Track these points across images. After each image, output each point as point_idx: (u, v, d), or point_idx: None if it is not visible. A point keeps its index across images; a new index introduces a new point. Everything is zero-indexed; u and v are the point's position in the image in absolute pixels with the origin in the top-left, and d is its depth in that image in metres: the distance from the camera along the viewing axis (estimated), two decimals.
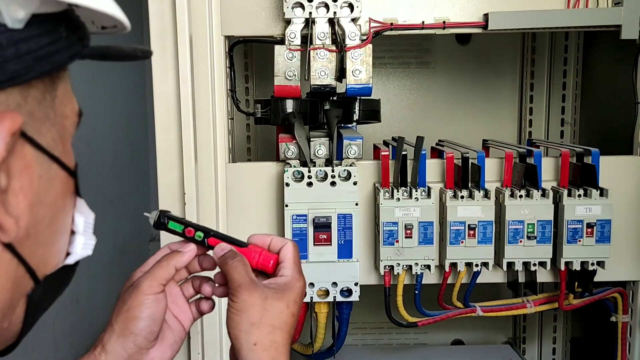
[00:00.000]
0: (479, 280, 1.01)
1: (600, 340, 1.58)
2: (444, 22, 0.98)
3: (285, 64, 0.96)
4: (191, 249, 0.64)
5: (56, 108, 0.39)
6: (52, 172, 0.39)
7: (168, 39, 0.88)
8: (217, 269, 0.64)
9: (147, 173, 3.83)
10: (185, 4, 0.86)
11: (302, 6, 0.93)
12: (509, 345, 1.53)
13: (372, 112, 1.09)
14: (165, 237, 0.69)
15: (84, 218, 0.44)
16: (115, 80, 3.51)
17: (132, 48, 0.44)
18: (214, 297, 0.67)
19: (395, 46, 1.55)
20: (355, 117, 1.06)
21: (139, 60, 0.44)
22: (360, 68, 0.96)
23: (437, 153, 1.09)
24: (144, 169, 3.99)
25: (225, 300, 0.62)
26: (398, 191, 0.95)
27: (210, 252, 0.65)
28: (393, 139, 1.11)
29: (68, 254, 0.44)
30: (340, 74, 0.98)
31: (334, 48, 0.96)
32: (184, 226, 0.65)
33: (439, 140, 1.20)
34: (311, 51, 0.95)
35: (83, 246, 0.44)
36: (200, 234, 0.65)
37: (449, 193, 0.97)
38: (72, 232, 0.44)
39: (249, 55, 1.50)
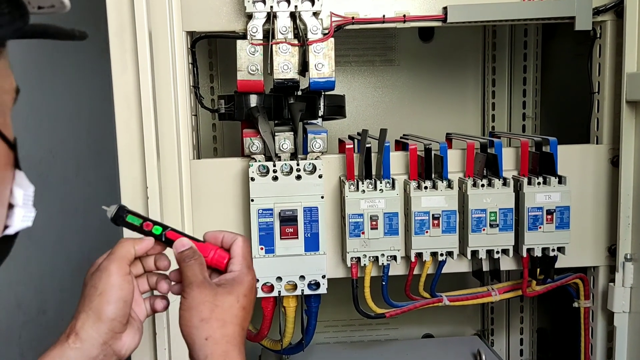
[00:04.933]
0: (445, 270, 1.03)
1: (566, 328, 1.62)
2: (404, 15, 0.99)
3: (247, 59, 0.96)
4: (150, 238, 0.64)
5: None
6: None
7: (127, 33, 0.87)
8: (171, 268, 0.65)
9: (115, 181, 3.79)
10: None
11: (263, 1, 0.94)
12: (478, 337, 1.55)
13: (337, 108, 1.10)
14: (129, 235, 0.68)
15: (23, 191, 0.44)
16: (78, 86, 3.45)
17: (71, 28, 0.43)
18: (170, 295, 0.67)
19: (360, 44, 1.57)
20: (320, 112, 1.07)
21: (77, 40, 0.44)
22: (323, 62, 0.97)
23: (401, 146, 1.10)
24: (111, 177, 3.92)
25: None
26: (363, 183, 0.96)
27: (168, 250, 0.66)
28: (358, 133, 1.12)
29: (6, 227, 0.43)
30: (303, 68, 0.98)
31: (296, 42, 0.96)
32: (143, 220, 0.65)
33: (403, 135, 1.21)
34: (273, 45, 0.95)
35: (22, 218, 0.44)
36: (159, 227, 0.65)
37: (413, 184, 0.98)
38: (11, 206, 0.43)
39: (213, 55, 1.50)
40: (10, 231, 0.43)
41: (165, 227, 0.66)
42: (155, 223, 0.66)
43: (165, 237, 0.65)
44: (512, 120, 1.56)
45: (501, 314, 1.62)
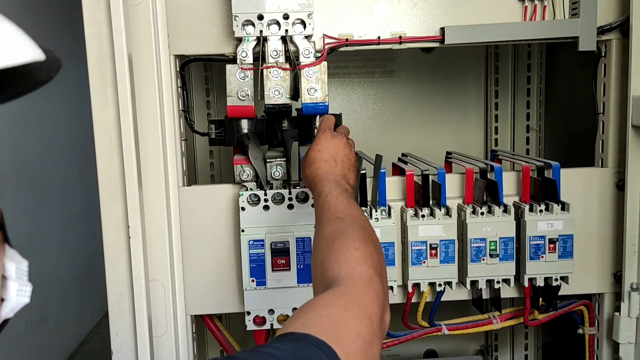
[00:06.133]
0: (444, 298, 0.99)
1: (571, 343, 1.58)
2: (400, 37, 0.95)
3: (237, 84, 0.93)
4: None
5: None
6: None
7: (106, 61, 0.84)
8: None
9: None
10: (122, 24, 0.82)
11: (252, 24, 0.90)
12: (481, 354, 1.52)
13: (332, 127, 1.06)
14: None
15: (15, 264, 0.42)
16: (78, 93, 3.43)
17: (46, 71, 0.41)
18: None
19: (359, 55, 1.53)
20: (315, 133, 1.03)
21: (53, 77, 0.41)
22: (316, 86, 0.93)
23: (398, 170, 1.07)
24: None
25: None
26: None
27: None
28: (356, 153, 1.09)
29: (2, 300, 0.42)
30: (295, 92, 0.95)
31: (287, 66, 0.92)
32: None
33: (402, 154, 1.18)
34: (264, 70, 0.92)
35: (18, 292, 0.42)
36: None
37: (410, 212, 0.94)
38: (4, 277, 0.42)
39: (209, 68, 1.47)
40: (7, 308, 0.42)
41: None
42: None
43: None
44: (515, 132, 1.52)
45: (505, 330, 1.58)
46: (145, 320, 0.84)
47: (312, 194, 0.79)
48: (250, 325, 0.93)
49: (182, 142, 1.00)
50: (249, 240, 0.91)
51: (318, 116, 1.03)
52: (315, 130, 1.03)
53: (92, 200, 3.83)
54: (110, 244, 0.85)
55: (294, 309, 0.93)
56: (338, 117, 1.07)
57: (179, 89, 0.98)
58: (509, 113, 1.51)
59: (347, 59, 1.52)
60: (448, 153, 1.16)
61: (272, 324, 0.94)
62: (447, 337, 1.59)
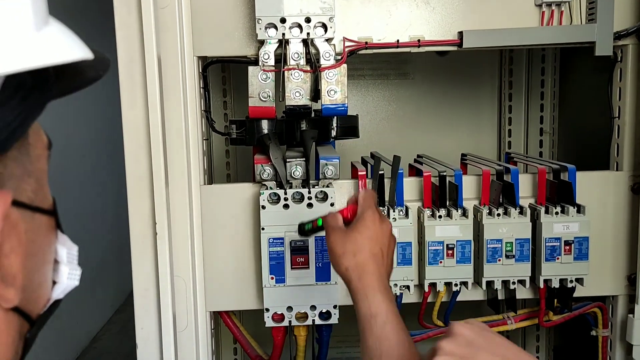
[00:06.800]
0: (459, 298, 1.01)
1: (583, 347, 1.59)
2: (418, 40, 0.97)
3: (259, 85, 0.95)
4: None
5: (31, 155, 0.39)
6: (36, 222, 0.40)
7: (136, 63, 0.86)
8: None
9: None
10: (152, 27, 0.84)
11: (275, 27, 0.92)
12: None
13: (349, 129, 1.08)
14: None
15: (66, 249, 0.44)
16: (94, 89, 3.47)
17: (96, 69, 0.43)
18: None
19: (374, 57, 1.53)
20: (333, 133, 1.05)
21: (102, 75, 0.44)
22: (336, 88, 0.95)
23: (414, 171, 1.08)
24: (125, 180, 3.94)
25: None
26: None
27: None
28: (372, 155, 1.10)
29: (54, 282, 0.44)
30: (315, 94, 0.97)
31: (308, 68, 0.94)
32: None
33: (418, 156, 1.19)
34: (285, 72, 0.94)
35: (69, 275, 0.44)
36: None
37: (427, 212, 0.96)
38: (56, 262, 0.44)
39: (226, 82, 1.49)
40: (58, 291, 0.43)
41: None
42: None
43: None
44: (529, 135, 1.53)
45: (517, 331, 1.59)
46: (170, 315, 0.86)
47: (349, 287, 0.70)
48: (269, 322, 0.95)
49: (204, 141, 1.02)
50: (269, 238, 0.93)
51: (335, 118, 1.05)
52: (333, 131, 1.05)
53: (105, 200, 3.89)
54: (137, 240, 0.87)
55: (312, 306, 0.95)
56: (354, 119, 1.09)
57: (202, 89, 1.01)
58: (523, 116, 1.53)
59: (362, 61, 1.53)
60: (463, 155, 1.17)
61: (290, 321, 0.95)
62: None
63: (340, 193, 1.00)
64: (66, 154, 3.05)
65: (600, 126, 1.09)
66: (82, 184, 3.26)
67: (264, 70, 0.94)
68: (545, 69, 1.51)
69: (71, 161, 3.15)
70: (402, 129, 1.56)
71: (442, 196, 0.97)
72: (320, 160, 0.96)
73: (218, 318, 1.10)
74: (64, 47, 0.37)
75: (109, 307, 3.67)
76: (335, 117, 1.04)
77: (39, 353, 2.64)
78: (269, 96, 0.95)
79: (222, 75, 1.50)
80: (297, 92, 0.94)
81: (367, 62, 1.54)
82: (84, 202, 3.29)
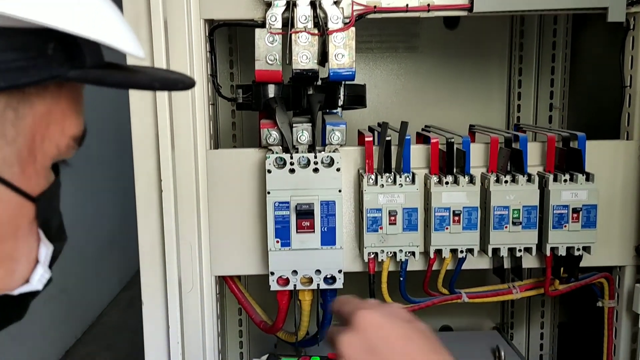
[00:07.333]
0: (465, 266, 1.00)
1: (588, 324, 1.58)
2: (428, 4, 0.96)
3: (266, 48, 0.94)
4: None
5: (20, 126, 0.36)
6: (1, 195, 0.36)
7: (142, 23, 0.86)
8: None
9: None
10: None
11: None
12: (497, 331, 1.53)
13: (357, 98, 1.07)
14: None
15: (45, 249, 0.42)
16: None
17: (175, 78, 0.41)
18: None
19: (383, 30, 1.53)
20: (340, 102, 1.04)
21: (180, 90, 0.42)
22: (343, 52, 0.94)
23: (422, 139, 1.08)
24: (131, 158, 3.96)
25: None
26: (382, 177, 0.94)
27: None
28: (378, 124, 1.09)
29: (27, 281, 0.42)
30: (323, 57, 0.96)
31: (316, 32, 0.93)
32: (297, 359, 0.63)
33: (425, 126, 1.18)
34: (292, 35, 0.93)
35: (40, 278, 0.42)
36: (317, 358, 0.62)
37: (434, 179, 0.95)
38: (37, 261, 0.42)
39: (233, 40, 1.48)
40: (23, 289, 0.41)
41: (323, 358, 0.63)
42: (311, 357, 0.62)
43: None
44: (538, 111, 1.52)
45: (522, 308, 1.59)
46: (175, 274, 0.86)
47: None
48: (274, 286, 0.95)
49: (210, 106, 1.01)
50: (275, 202, 0.93)
51: (343, 86, 1.04)
52: (339, 100, 1.04)
53: (113, 177, 3.92)
54: (143, 197, 0.87)
55: (317, 270, 0.95)
56: (362, 88, 1.08)
57: (208, 53, 1.00)
58: (532, 91, 1.51)
59: (370, 34, 1.52)
60: (471, 125, 1.16)
61: (295, 285, 0.95)
62: (463, 314, 1.61)
63: (347, 160, 0.99)
64: None
65: (611, 102, 1.07)
66: (87, 161, 3.27)
67: (271, 33, 0.93)
68: (556, 43, 1.49)
69: None
70: (410, 103, 1.55)
71: (449, 163, 0.96)
72: (327, 126, 0.95)
73: (223, 285, 1.10)
74: (104, 25, 0.35)
75: (116, 283, 3.70)
76: (342, 85, 1.04)
77: (46, 327, 2.67)
78: (276, 59, 0.94)
79: (229, 47, 1.49)
80: (304, 55, 0.93)
81: (375, 34, 1.53)
82: (90, 179, 3.31)
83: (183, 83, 0.42)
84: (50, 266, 0.43)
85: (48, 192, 0.40)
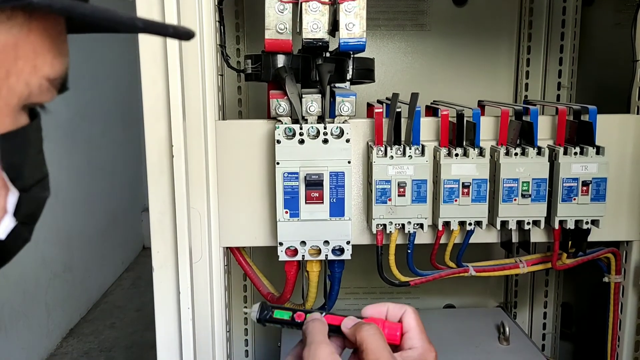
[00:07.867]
0: (472, 240, 1.00)
1: (591, 304, 1.59)
2: None
3: (276, 17, 0.93)
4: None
5: None
6: None
7: None
8: None
9: (140, 142, 3.81)
10: None
11: None
12: (500, 309, 1.53)
13: (366, 71, 1.06)
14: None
15: (14, 199, 0.38)
16: (105, 48, 3.46)
17: (171, 25, 0.38)
18: None
19: (390, 8, 1.52)
20: (349, 75, 1.04)
21: (178, 39, 0.39)
22: (354, 21, 0.93)
23: (431, 112, 1.07)
24: (137, 138, 3.96)
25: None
26: (392, 149, 0.94)
27: None
28: (387, 98, 1.09)
29: None
30: (333, 27, 0.95)
31: (326, 0, 0.93)
32: (292, 312, 0.61)
33: (434, 101, 1.18)
34: (303, 3, 0.92)
35: (5, 229, 0.38)
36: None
37: (443, 151, 0.95)
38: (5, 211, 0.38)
39: (239, 16, 1.47)
40: None
41: (322, 310, 0.61)
42: (307, 312, 0.60)
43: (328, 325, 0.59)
44: (546, 90, 1.51)
45: (525, 287, 1.59)
46: (187, 242, 0.86)
47: None
48: (283, 256, 0.95)
49: (219, 77, 1.01)
50: (284, 173, 0.93)
51: (352, 59, 1.03)
52: (348, 73, 1.03)
53: (117, 153, 3.92)
54: (154, 163, 0.87)
55: (326, 241, 0.95)
56: (371, 61, 1.07)
57: (217, 23, 0.99)
58: (541, 69, 1.50)
59: (378, 11, 1.51)
60: (480, 101, 1.16)
61: (303, 256, 0.96)
62: (467, 292, 1.61)
63: (356, 132, 0.99)
64: (77, 110, 3.04)
65: (620, 82, 1.07)
66: (91, 139, 3.27)
67: (281, 1, 0.92)
68: (565, 22, 1.48)
69: (80, 117, 3.15)
70: (416, 81, 1.54)
71: (459, 135, 0.96)
72: (337, 97, 0.95)
73: (229, 256, 1.10)
74: None
75: (120, 264, 3.72)
76: (351, 58, 1.03)
77: (50, 305, 2.69)
78: (286, 28, 0.93)
79: (236, 22, 1.48)
80: (314, 24, 0.93)
81: (383, 12, 1.52)
82: (94, 157, 3.30)
83: (175, 29, 0.38)
84: (25, 221, 0.40)
85: (15, 134, 0.37)
